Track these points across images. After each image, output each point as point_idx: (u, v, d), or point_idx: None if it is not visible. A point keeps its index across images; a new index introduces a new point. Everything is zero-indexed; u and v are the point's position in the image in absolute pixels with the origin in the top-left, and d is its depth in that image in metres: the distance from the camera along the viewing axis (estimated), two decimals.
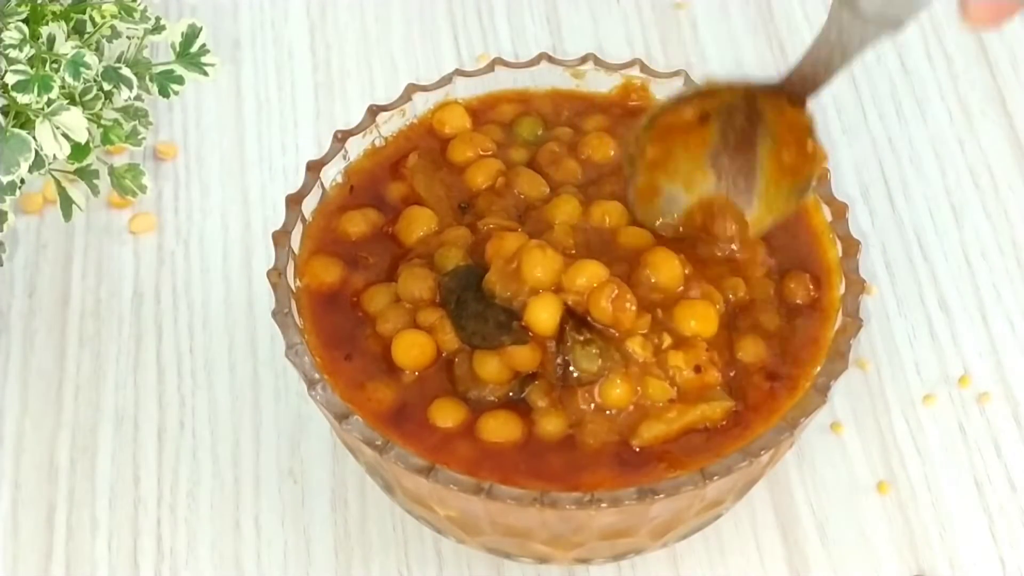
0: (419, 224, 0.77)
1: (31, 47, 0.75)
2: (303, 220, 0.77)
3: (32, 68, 0.75)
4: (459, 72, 0.82)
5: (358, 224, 0.77)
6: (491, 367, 0.72)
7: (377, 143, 0.80)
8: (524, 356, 0.72)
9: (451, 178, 0.79)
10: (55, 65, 0.76)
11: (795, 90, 0.73)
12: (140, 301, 0.87)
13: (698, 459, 0.70)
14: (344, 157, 0.79)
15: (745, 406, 0.72)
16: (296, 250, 0.76)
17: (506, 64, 0.82)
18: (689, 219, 0.76)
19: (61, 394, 0.83)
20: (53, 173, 0.80)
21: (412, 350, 0.73)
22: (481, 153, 0.79)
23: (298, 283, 0.76)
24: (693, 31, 0.98)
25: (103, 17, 0.78)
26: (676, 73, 0.81)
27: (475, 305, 0.73)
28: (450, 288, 0.74)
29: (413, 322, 0.74)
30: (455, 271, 0.74)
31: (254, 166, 0.92)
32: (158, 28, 0.80)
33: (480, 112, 0.81)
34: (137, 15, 0.79)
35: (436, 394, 0.72)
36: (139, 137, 0.81)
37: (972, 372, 0.84)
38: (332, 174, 0.78)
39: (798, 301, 0.75)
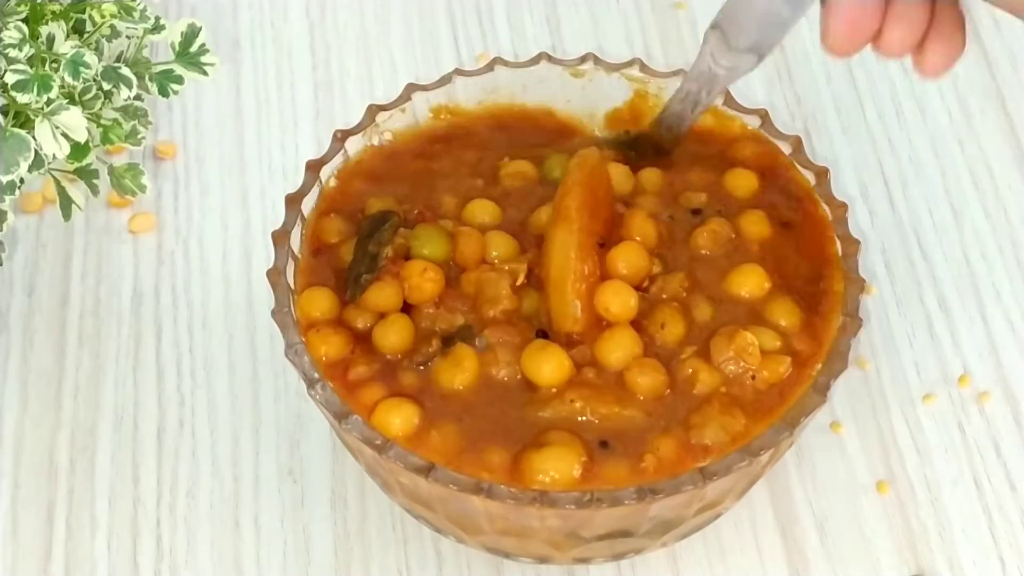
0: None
1: (31, 47, 0.75)
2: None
3: (32, 68, 0.75)
4: (459, 72, 0.82)
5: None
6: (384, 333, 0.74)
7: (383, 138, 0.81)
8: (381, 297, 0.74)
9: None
10: (55, 65, 0.76)
11: (666, 131, 0.78)
12: (139, 301, 0.87)
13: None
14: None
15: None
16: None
17: (506, 64, 0.82)
18: None
19: (61, 393, 0.83)
20: (53, 173, 0.80)
21: (380, 295, 0.75)
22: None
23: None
24: (693, 31, 0.98)
25: (103, 17, 0.77)
26: (676, 73, 0.81)
27: (359, 251, 0.75)
28: (361, 231, 0.76)
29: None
30: (372, 215, 0.76)
31: (254, 166, 0.92)
32: (158, 28, 0.80)
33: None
34: (137, 15, 0.78)
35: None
36: (138, 137, 0.81)
37: (972, 372, 0.84)
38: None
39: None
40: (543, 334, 0.73)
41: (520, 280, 0.74)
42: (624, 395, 0.71)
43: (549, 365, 0.72)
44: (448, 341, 0.73)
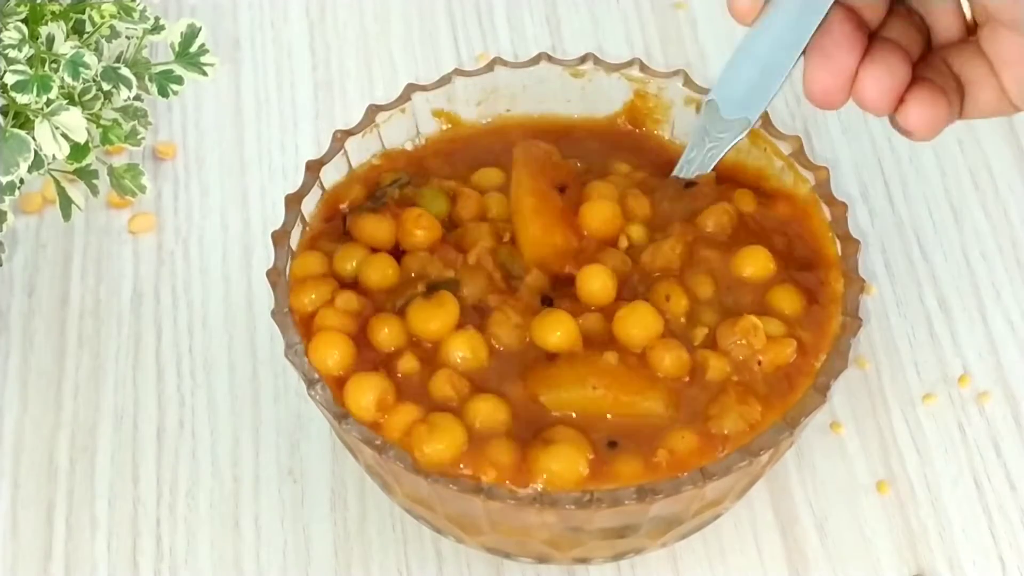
0: None
1: (30, 47, 0.75)
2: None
3: (31, 68, 0.75)
4: (459, 72, 0.82)
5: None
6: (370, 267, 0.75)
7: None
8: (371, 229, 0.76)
9: None
10: (54, 65, 0.76)
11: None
12: (139, 301, 0.87)
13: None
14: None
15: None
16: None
17: (506, 64, 0.82)
18: None
19: (60, 393, 0.83)
20: (52, 173, 0.80)
21: (377, 227, 0.77)
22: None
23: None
24: (693, 31, 0.98)
25: (102, 17, 0.77)
26: (676, 73, 0.81)
27: (367, 201, 0.78)
28: (373, 192, 0.78)
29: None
30: (388, 183, 0.79)
31: (253, 166, 0.92)
32: (157, 28, 0.80)
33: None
34: (136, 15, 0.78)
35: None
36: (138, 137, 0.81)
37: (971, 372, 0.84)
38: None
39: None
40: (548, 301, 0.74)
41: (506, 238, 0.76)
42: (645, 382, 0.71)
43: (557, 331, 0.72)
44: (433, 288, 0.74)
